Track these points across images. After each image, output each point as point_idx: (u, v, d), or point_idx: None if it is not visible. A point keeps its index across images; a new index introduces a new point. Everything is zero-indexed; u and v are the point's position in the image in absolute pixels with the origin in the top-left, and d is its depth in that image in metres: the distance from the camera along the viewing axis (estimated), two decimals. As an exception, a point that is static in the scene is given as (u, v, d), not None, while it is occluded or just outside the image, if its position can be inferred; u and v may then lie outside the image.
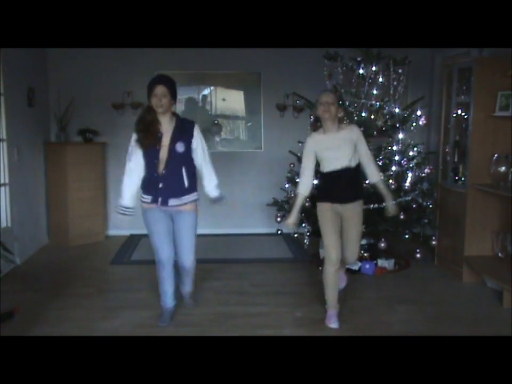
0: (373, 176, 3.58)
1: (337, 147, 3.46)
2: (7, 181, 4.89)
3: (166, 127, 3.38)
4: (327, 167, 3.53)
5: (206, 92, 6.39)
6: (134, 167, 3.44)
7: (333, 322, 3.53)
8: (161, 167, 3.36)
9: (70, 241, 5.75)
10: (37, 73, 5.78)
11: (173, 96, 3.37)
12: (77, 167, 5.70)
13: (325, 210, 3.57)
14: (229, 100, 6.41)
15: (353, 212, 3.55)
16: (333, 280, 3.54)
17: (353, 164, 3.50)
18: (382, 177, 3.63)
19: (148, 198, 3.45)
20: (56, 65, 6.04)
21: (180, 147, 3.36)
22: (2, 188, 4.86)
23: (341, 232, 3.58)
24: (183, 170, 3.42)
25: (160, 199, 3.41)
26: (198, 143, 3.46)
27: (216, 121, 6.31)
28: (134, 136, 3.42)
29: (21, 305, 3.82)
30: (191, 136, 3.42)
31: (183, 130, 3.41)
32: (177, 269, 3.68)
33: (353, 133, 3.49)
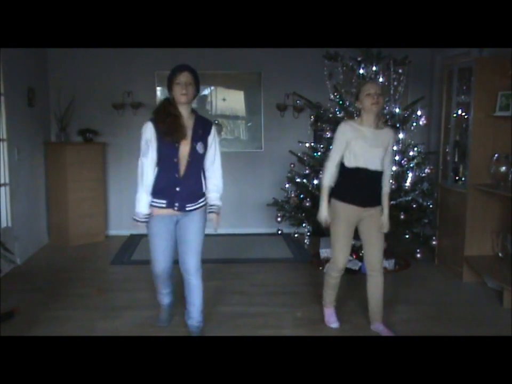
0: (385, 186, 3.38)
1: (374, 144, 3.23)
2: (7, 181, 4.89)
3: (187, 122, 3.08)
4: (355, 162, 3.25)
5: (206, 91, 6.39)
6: (151, 163, 3.06)
7: (333, 322, 3.52)
8: (181, 169, 3.06)
9: (70, 241, 5.75)
10: (37, 73, 5.78)
11: (197, 86, 3.10)
12: (77, 167, 5.70)
13: (342, 210, 3.32)
14: (229, 100, 6.41)
15: (375, 216, 3.36)
16: (335, 283, 3.49)
17: (381, 167, 3.30)
18: (386, 194, 3.41)
19: (162, 203, 3.10)
20: (56, 65, 6.04)
21: (200, 148, 3.09)
22: (2, 188, 4.86)
23: (361, 237, 3.43)
24: (201, 173, 3.18)
25: (177, 204, 3.10)
26: (212, 143, 3.17)
27: (216, 121, 6.31)
28: (150, 129, 3.03)
29: (20, 305, 3.82)
30: (208, 135, 3.15)
31: (202, 129, 3.13)
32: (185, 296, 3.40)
33: (390, 137, 3.31)
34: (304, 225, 4.98)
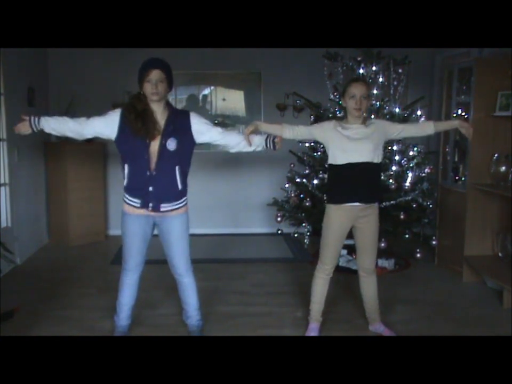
0: (427, 129, 3.29)
1: (358, 139, 3.13)
2: (7, 181, 4.89)
3: (159, 117, 3.00)
4: (345, 158, 3.14)
5: (206, 91, 6.39)
6: (80, 126, 3.05)
7: (313, 334, 3.40)
8: (152, 166, 2.98)
9: (70, 241, 5.74)
10: (37, 73, 5.78)
11: (170, 82, 3.00)
12: (77, 167, 5.70)
13: (336, 214, 3.22)
14: (229, 100, 6.41)
15: (371, 217, 3.25)
16: (322, 288, 3.38)
17: (376, 160, 3.16)
18: (432, 124, 3.29)
19: (137, 202, 3.04)
20: (56, 65, 6.04)
21: (171, 144, 2.97)
22: (2, 188, 4.86)
23: (355, 240, 3.36)
24: (176, 170, 3.04)
25: (151, 204, 3.03)
26: (203, 129, 3.09)
27: (216, 121, 6.30)
28: (115, 117, 3.00)
29: (20, 305, 3.82)
30: (189, 128, 3.04)
31: (176, 123, 3.01)
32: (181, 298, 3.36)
33: (377, 126, 3.21)
34: (304, 225, 4.98)
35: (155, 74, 2.91)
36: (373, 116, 4.69)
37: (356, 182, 3.16)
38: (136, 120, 2.94)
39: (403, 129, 3.31)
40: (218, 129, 3.20)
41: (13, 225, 4.95)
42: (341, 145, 3.15)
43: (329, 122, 3.29)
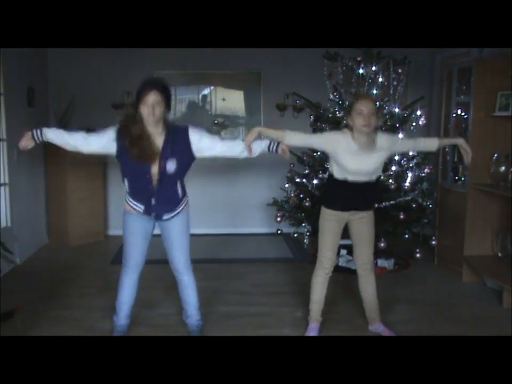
0: (433, 145, 3.29)
1: (362, 160, 3.10)
2: (7, 181, 4.89)
3: (157, 139, 2.96)
4: (343, 174, 3.16)
5: (206, 91, 6.39)
6: (82, 144, 2.99)
7: (313, 334, 3.42)
8: (154, 183, 3.00)
9: (70, 241, 5.74)
10: (37, 73, 5.78)
11: (167, 104, 2.94)
12: (77, 167, 5.69)
13: (330, 219, 3.28)
14: (229, 100, 6.41)
15: (365, 217, 3.31)
16: (321, 288, 3.41)
17: (374, 177, 3.21)
18: (437, 141, 3.31)
19: (140, 207, 3.08)
20: (56, 65, 6.04)
21: (171, 167, 2.96)
22: (2, 188, 4.86)
23: (352, 237, 3.38)
24: (178, 185, 3.08)
25: (154, 214, 3.09)
26: (203, 147, 3.03)
27: (216, 121, 6.31)
28: (112, 136, 2.95)
29: (20, 305, 3.82)
30: (188, 146, 2.99)
31: (174, 144, 2.97)
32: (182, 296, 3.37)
33: (385, 143, 3.14)
34: (303, 225, 4.98)
35: (152, 97, 2.84)
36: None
37: (351, 196, 3.22)
38: (132, 146, 2.90)
39: (412, 146, 3.32)
40: (219, 144, 3.09)
41: (13, 225, 4.95)
42: (342, 163, 3.13)
43: (337, 136, 3.19)
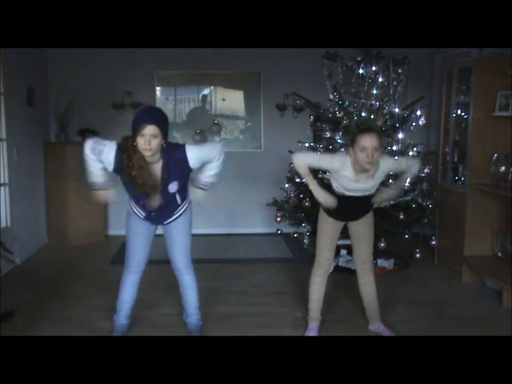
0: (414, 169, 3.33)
1: (363, 184, 3.13)
2: (7, 181, 4.89)
3: (155, 169, 2.94)
4: (343, 192, 3.18)
5: (205, 91, 6.39)
6: (94, 167, 3.00)
7: (313, 334, 3.42)
8: (154, 203, 3.02)
9: (70, 241, 5.74)
10: (37, 73, 5.78)
11: (165, 135, 2.86)
12: (77, 167, 5.63)
13: (328, 220, 3.32)
14: (229, 100, 6.41)
15: (364, 219, 3.34)
16: (320, 287, 3.42)
17: (372, 192, 3.23)
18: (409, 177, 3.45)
19: (141, 214, 3.13)
20: (56, 65, 6.04)
21: (173, 187, 2.98)
22: (2, 188, 4.86)
23: (351, 237, 3.40)
24: (177, 196, 3.08)
25: (154, 221, 3.18)
26: (199, 164, 3.02)
27: (216, 121, 6.31)
28: (111, 157, 2.89)
29: (20, 305, 3.82)
30: (186, 164, 2.95)
31: (172, 165, 2.93)
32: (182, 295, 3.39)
33: (383, 167, 3.13)
34: (303, 225, 4.98)
35: (149, 130, 2.78)
36: (372, 116, 4.69)
37: (349, 208, 3.26)
38: (133, 179, 2.87)
39: (405, 169, 3.32)
40: (214, 164, 3.09)
41: (13, 225, 4.95)
42: (342, 184, 3.16)
43: (341, 160, 3.13)
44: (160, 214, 3.13)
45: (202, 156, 3.03)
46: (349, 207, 3.25)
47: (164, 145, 2.87)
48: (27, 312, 3.76)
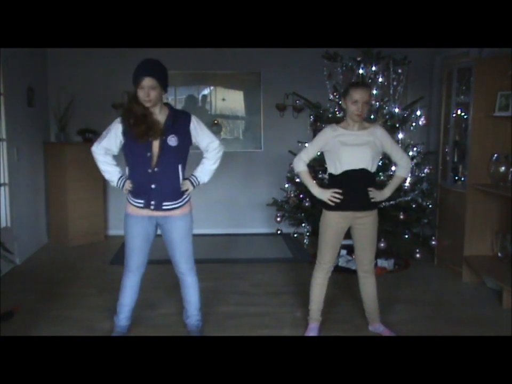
0: (401, 170, 3.33)
1: (357, 145, 3.14)
2: (7, 181, 4.89)
3: (158, 116, 3.04)
4: (341, 167, 3.17)
5: (205, 91, 6.39)
6: (101, 151, 3.12)
7: (313, 334, 3.42)
8: (153, 164, 3.01)
9: (70, 241, 5.74)
10: (37, 73, 5.78)
11: (164, 86, 3.00)
12: (77, 167, 5.69)
13: (331, 223, 3.26)
14: (229, 100, 6.41)
15: (367, 220, 3.26)
16: (321, 288, 3.41)
17: (373, 169, 3.20)
18: (406, 175, 3.44)
19: (140, 203, 3.07)
20: (56, 65, 6.04)
21: (172, 141, 3.00)
22: (2, 188, 4.86)
23: (353, 240, 3.37)
24: (179, 168, 3.09)
25: (153, 203, 3.05)
26: (196, 130, 3.12)
27: (216, 121, 6.31)
28: (117, 126, 3.06)
29: (20, 305, 3.82)
30: (187, 129, 3.08)
31: (176, 122, 3.05)
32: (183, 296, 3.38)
33: (377, 134, 3.20)
34: (303, 225, 4.98)
35: (147, 82, 2.92)
36: (372, 116, 4.69)
37: (352, 190, 3.19)
38: (138, 124, 2.96)
39: (393, 151, 3.29)
40: (210, 143, 3.22)
41: (13, 225, 4.95)
42: (338, 153, 3.17)
43: (326, 132, 3.26)
44: (160, 189, 3.04)
45: (202, 134, 3.16)
46: (352, 189, 3.18)
47: (166, 95, 3.03)
48: (27, 312, 3.76)
